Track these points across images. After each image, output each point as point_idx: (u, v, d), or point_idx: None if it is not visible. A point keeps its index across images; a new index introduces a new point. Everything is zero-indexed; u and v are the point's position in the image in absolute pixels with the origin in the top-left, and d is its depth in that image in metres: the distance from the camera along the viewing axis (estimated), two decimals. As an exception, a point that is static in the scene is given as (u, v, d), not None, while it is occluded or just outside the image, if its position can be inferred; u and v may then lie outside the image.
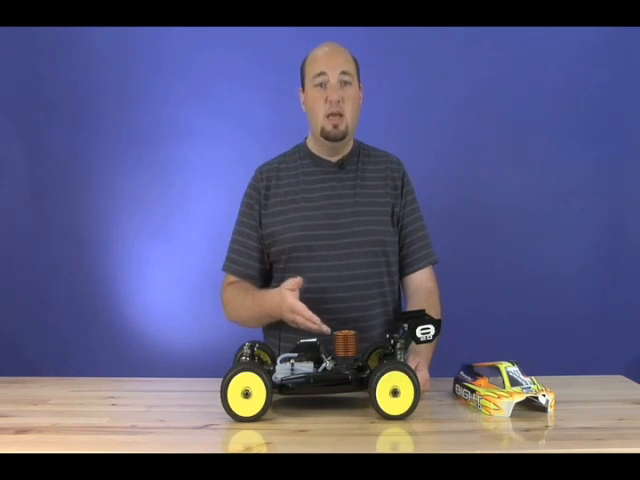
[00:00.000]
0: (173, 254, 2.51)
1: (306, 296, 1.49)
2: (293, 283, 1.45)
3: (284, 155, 1.72)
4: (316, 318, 1.42)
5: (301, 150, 1.70)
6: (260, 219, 1.65)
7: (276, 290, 1.50)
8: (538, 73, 2.47)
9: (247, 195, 1.68)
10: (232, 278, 1.68)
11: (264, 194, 1.65)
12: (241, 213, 1.69)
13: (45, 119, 2.49)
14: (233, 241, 1.69)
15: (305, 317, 1.43)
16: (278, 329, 1.59)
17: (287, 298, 1.45)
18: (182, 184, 2.51)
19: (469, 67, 2.47)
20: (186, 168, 2.50)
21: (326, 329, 1.42)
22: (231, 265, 1.67)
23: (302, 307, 1.43)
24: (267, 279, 1.69)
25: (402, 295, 1.72)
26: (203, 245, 2.46)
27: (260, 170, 1.70)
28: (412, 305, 1.61)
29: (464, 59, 2.47)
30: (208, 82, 2.49)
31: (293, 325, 1.48)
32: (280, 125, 2.42)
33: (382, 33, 2.35)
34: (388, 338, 1.41)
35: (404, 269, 1.68)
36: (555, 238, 2.49)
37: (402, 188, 1.67)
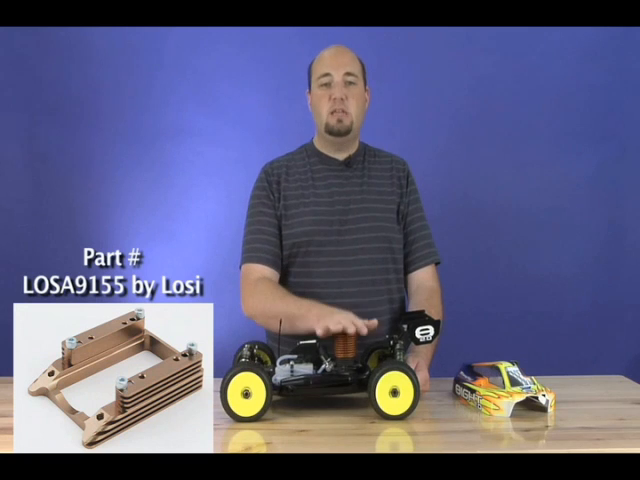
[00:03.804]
0: (173, 254, 2.51)
1: (313, 291, 1.51)
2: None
3: (291, 154, 1.72)
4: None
5: (308, 149, 1.72)
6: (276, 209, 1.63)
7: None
8: (538, 73, 2.47)
9: (259, 189, 1.66)
10: (259, 271, 1.58)
11: (276, 188, 1.64)
12: (255, 206, 1.64)
13: (45, 119, 2.49)
14: (252, 232, 1.62)
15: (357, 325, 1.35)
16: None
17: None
18: (182, 184, 2.51)
19: (469, 67, 2.47)
20: (186, 168, 2.50)
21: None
22: (256, 255, 1.59)
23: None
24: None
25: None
26: (203, 245, 2.46)
27: (270, 166, 1.69)
28: (413, 304, 1.61)
29: (464, 59, 2.47)
30: (208, 82, 2.49)
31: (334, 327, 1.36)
32: (280, 125, 2.43)
33: (382, 33, 2.35)
34: (388, 339, 1.41)
35: (406, 267, 1.68)
36: (555, 238, 2.50)
37: (406, 187, 1.69)
